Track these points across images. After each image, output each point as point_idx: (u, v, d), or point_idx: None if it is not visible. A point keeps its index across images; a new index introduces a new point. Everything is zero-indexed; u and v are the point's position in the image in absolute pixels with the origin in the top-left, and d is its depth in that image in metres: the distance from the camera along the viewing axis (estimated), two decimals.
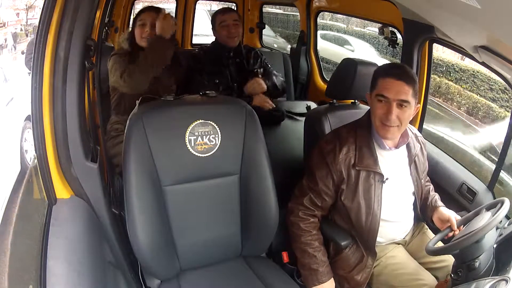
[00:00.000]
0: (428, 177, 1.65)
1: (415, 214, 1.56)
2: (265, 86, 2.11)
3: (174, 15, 3.44)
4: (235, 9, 3.37)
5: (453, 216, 1.45)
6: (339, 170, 1.41)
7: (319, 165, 1.44)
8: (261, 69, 2.27)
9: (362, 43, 6.06)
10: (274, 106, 2.11)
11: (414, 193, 1.52)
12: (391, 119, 1.34)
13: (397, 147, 1.46)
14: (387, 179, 1.43)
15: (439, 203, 1.54)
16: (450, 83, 5.20)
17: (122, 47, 1.93)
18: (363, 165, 1.41)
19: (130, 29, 1.96)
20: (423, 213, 1.57)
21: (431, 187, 1.63)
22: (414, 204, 1.54)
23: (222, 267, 1.46)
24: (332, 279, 1.45)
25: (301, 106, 2.27)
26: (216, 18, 2.17)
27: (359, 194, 1.42)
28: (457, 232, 1.41)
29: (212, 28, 2.22)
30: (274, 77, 2.22)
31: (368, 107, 1.49)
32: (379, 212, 1.43)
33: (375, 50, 5.67)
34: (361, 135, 1.44)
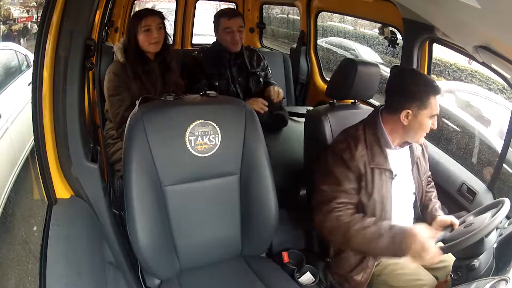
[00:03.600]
0: (432, 183, 1.66)
1: (415, 214, 1.57)
2: (266, 103, 2.09)
3: (174, 15, 3.44)
4: (235, 8, 3.37)
5: (453, 219, 1.45)
6: (357, 166, 1.40)
7: (337, 165, 1.42)
8: (263, 73, 2.27)
9: None
10: (267, 109, 2.06)
11: (415, 193, 1.53)
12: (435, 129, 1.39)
13: (401, 146, 1.47)
14: (395, 175, 1.44)
15: (439, 212, 1.54)
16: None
17: (117, 59, 1.87)
18: (375, 163, 1.42)
19: (126, 37, 1.88)
20: (423, 217, 1.58)
21: (434, 193, 1.63)
22: (414, 203, 1.56)
23: (222, 267, 1.46)
24: (420, 228, 1.28)
25: (301, 111, 2.26)
26: (221, 21, 2.10)
27: (374, 191, 1.42)
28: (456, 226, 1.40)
29: (214, 29, 2.17)
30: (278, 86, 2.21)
31: (369, 107, 1.48)
32: (389, 209, 1.44)
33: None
34: (370, 133, 1.44)
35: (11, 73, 3.45)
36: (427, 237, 1.23)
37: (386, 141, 1.44)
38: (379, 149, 1.43)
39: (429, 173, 1.64)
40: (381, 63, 4.38)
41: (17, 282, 1.99)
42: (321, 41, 6.06)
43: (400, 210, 1.49)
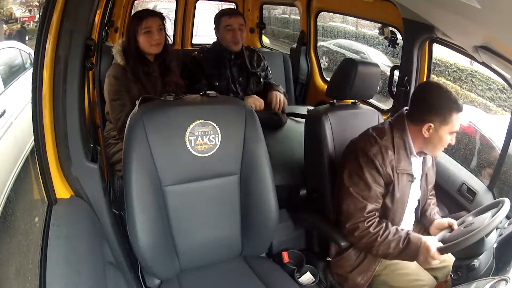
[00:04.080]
0: (433, 191, 1.67)
1: (415, 217, 1.58)
2: (262, 102, 2.07)
3: (174, 15, 3.44)
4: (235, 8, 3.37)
5: (450, 220, 1.49)
6: (388, 172, 1.42)
7: (369, 169, 1.42)
8: (263, 73, 2.27)
9: None
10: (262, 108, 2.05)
11: (419, 200, 1.56)
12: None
13: (419, 156, 1.49)
14: (415, 178, 1.47)
15: (437, 216, 1.58)
16: (448, 82, 5.22)
17: (117, 62, 1.86)
18: (401, 168, 1.44)
19: (126, 38, 1.87)
20: (420, 221, 1.61)
21: (434, 200, 1.65)
22: (416, 209, 1.58)
23: (222, 267, 1.46)
24: (428, 237, 1.41)
25: (302, 110, 2.26)
26: (222, 20, 2.11)
27: (399, 195, 1.45)
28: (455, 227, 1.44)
29: (215, 28, 2.17)
30: (280, 87, 2.19)
31: (369, 107, 1.48)
32: (404, 211, 1.48)
33: None
34: (398, 136, 1.45)
35: (15, 71, 3.57)
36: (436, 248, 1.34)
37: (410, 148, 1.46)
38: (405, 154, 1.45)
39: (433, 183, 1.66)
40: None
41: (18, 269, 2.10)
42: (329, 43, 5.99)
43: (408, 213, 1.52)
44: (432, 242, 1.36)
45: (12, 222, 2.52)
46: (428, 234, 1.59)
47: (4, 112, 2.93)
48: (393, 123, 1.49)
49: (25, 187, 2.85)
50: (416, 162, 1.50)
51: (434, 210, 1.60)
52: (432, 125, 1.39)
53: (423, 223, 1.60)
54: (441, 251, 1.33)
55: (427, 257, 1.35)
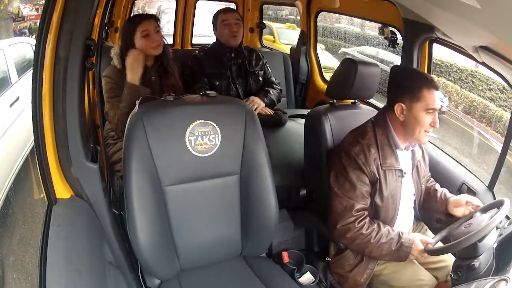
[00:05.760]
0: (432, 179, 1.66)
1: (414, 214, 1.57)
2: (263, 104, 2.10)
3: (174, 15, 3.44)
4: (235, 9, 3.37)
5: (468, 198, 1.47)
6: (372, 170, 1.42)
7: (352, 169, 1.42)
8: (262, 72, 2.27)
9: None
10: (272, 112, 2.10)
11: (414, 195, 1.54)
12: (437, 127, 1.39)
13: (407, 149, 1.49)
14: (405, 173, 1.46)
15: (449, 194, 1.55)
16: (448, 82, 5.23)
17: (115, 64, 1.85)
18: (387, 164, 1.43)
19: (122, 43, 1.86)
20: (432, 211, 1.57)
21: (437, 184, 1.64)
22: (414, 204, 1.56)
23: (222, 267, 1.46)
24: (417, 236, 1.41)
25: (303, 112, 2.27)
26: (218, 17, 2.17)
27: (388, 192, 1.44)
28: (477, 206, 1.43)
29: (213, 28, 2.21)
30: (271, 92, 2.19)
31: (369, 107, 1.48)
32: (398, 208, 1.47)
33: None
34: (380, 134, 1.45)
35: (27, 64, 3.90)
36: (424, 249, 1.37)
37: (395, 141, 1.45)
38: (390, 150, 1.44)
39: (429, 174, 1.65)
40: None
41: (21, 238, 2.27)
42: (352, 50, 5.81)
43: (403, 210, 1.51)
44: (420, 243, 1.37)
45: (11, 222, 2.53)
46: (431, 228, 1.60)
47: (18, 98, 3.38)
48: (375, 121, 1.49)
49: (22, 195, 2.92)
50: (404, 156, 1.49)
51: (443, 191, 1.57)
52: (402, 105, 1.38)
53: (438, 211, 1.55)
54: (431, 253, 1.34)
55: (417, 256, 1.37)
